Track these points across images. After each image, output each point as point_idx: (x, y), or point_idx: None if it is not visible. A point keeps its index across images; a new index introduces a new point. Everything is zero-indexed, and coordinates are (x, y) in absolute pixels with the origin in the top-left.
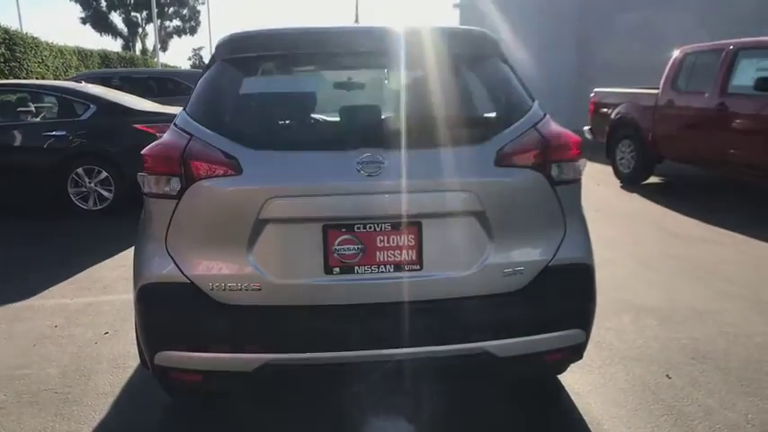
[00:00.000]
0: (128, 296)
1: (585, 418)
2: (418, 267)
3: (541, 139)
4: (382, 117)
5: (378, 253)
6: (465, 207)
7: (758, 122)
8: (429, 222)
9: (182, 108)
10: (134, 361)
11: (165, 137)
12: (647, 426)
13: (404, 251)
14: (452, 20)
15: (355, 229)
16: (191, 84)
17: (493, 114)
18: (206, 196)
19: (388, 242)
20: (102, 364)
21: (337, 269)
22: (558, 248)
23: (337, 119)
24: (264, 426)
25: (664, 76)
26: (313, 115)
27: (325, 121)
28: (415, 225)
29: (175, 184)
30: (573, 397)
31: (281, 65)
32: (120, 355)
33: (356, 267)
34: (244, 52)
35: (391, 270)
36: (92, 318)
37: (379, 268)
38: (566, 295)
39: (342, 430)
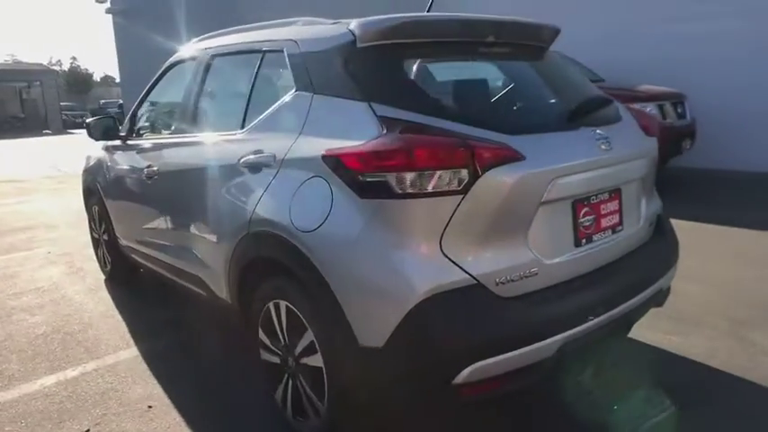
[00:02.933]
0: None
1: None
2: (621, 228)
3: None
4: (578, 98)
5: (602, 220)
6: (640, 172)
7: None
8: (625, 188)
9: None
10: None
11: (403, 132)
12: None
13: (614, 215)
14: (107, 25)
15: (591, 201)
16: None
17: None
18: (497, 186)
19: (606, 209)
20: None
21: (584, 240)
22: (657, 201)
23: (547, 101)
24: None
25: None
26: (516, 98)
27: (538, 103)
28: (617, 191)
29: (463, 178)
30: None
31: (447, 51)
32: None
33: (593, 236)
34: (417, 37)
35: (610, 233)
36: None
37: (604, 233)
38: (669, 237)
39: None
